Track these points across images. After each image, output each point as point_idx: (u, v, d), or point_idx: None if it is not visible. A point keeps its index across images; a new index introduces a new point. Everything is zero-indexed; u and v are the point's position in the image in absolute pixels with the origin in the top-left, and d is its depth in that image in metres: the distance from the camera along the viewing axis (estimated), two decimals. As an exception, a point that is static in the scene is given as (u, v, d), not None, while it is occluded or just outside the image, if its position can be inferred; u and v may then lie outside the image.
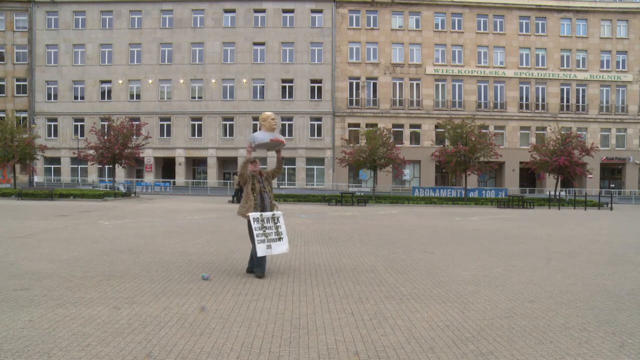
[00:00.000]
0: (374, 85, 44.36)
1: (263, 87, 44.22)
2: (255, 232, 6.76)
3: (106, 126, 35.72)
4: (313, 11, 44.16)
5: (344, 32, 44.05)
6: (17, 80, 45.17)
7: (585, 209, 27.33)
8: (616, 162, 45.54)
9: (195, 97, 44.52)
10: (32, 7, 44.23)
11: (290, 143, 43.69)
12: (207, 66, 44.07)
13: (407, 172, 44.12)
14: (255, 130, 44.24)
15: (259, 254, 6.77)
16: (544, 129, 43.88)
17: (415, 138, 44.25)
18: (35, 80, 44.55)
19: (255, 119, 44.04)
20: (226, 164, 46.63)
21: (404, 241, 11.30)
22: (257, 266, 6.94)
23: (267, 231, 6.86)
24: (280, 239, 6.98)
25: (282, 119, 44.03)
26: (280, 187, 42.20)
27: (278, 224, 7.02)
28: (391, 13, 44.38)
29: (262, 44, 44.07)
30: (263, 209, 7.02)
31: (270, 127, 7.17)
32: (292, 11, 44.15)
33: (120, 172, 41.21)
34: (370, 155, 31.93)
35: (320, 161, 44.27)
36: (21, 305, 5.18)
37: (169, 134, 44.53)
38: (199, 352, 3.91)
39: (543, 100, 45.30)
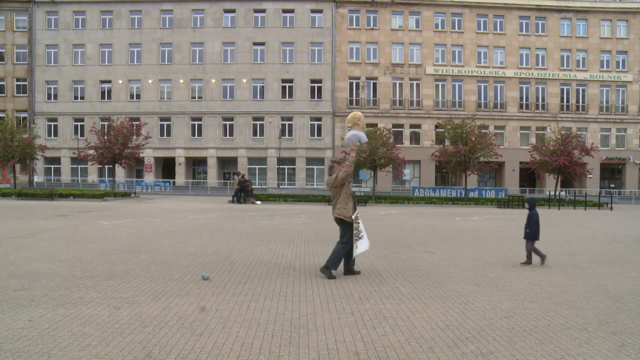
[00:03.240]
0: (374, 85, 44.36)
1: (263, 87, 44.21)
2: (359, 232, 7.05)
3: (106, 126, 35.71)
4: (313, 11, 44.16)
5: (344, 32, 44.05)
6: (17, 80, 45.17)
7: (585, 209, 27.32)
8: (616, 162, 45.53)
9: (195, 97, 44.52)
10: (32, 7, 44.22)
11: (290, 143, 43.71)
12: (207, 66, 44.06)
13: (407, 172, 44.11)
14: (255, 130, 44.26)
15: (365, 249, 7.19)
16: (544, 129, 43.86)
17: (415, 138, 44.25)
18: (35, 80, 44.55)
19: (256, 118, 44.08)
20: (226, 164, 46.62)
21: (404, 241, 11.29)
22: (336, 264, 6.99)
23: (355, 231, 7.06)
24: (361, 237, 7.18)
25: (282, 119, 44.03)
26: (281, 187, 42.20)
27: (358, 223, 7.19)
28: (391, 13, 44.37)
29: (262, 44, 44.07)
30: (355, 210, 7.24)
31: (363, 126, 7.47)
32: (292, 11, 44.15)
33: (120, 172, 41.18)
34: (370, 155, 31.90)
35: (320, 161, 44.24)
36: (21, 305, 5.18)
37: (169, 134, 44.53)
38: (199, 352, 3.91)
39: (543, 100, 45.30)
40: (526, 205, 8.79)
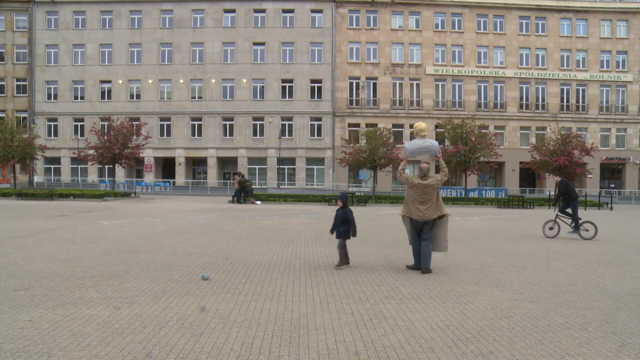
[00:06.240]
0: (374, 85, 44.35)
1: (263, 87, 44.20)
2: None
3: (106, 126, 35.71)
4: (313, 11, 44.15)
5: (344, 32, 44.04)
6: (17, 80, 45.17)
7: (585, 209, 27.29)
8: (616, 162, 45.53)
9: (195, 97, 44.52)
10: (32, 7, 44.21)
11: (290, 143, 43.71)
12: (207, 66, 44.06)
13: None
14: (255, 130, 44.27)
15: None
16: (544, 129, 43.85)
17: (415, 138, 44.17)
18: (35, 80, 44.55)
19: (256, 118, 44.08)
20: (226, 164, 46.62)
21: (404, 241, 11.26)
22: (430, 260, 7.54)
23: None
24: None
25: (282, 119, 44.03)
26: (281, 187, 42.19)
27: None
28: (391, 13, 44.36)
29: (262, 44, 44.06)
30: None
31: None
32: (292, 11, 44.14)
33: (120, 172, 41.18)
34: (370, 155, 31.90)
35: (320, 161, 44.25)
36: (21, 305, 5.18)
37: (169, 134, 44.53)
38: (199, 352, 3.91)
39: (543, 100, 45.29)
40: (339, 202, 7.90)
